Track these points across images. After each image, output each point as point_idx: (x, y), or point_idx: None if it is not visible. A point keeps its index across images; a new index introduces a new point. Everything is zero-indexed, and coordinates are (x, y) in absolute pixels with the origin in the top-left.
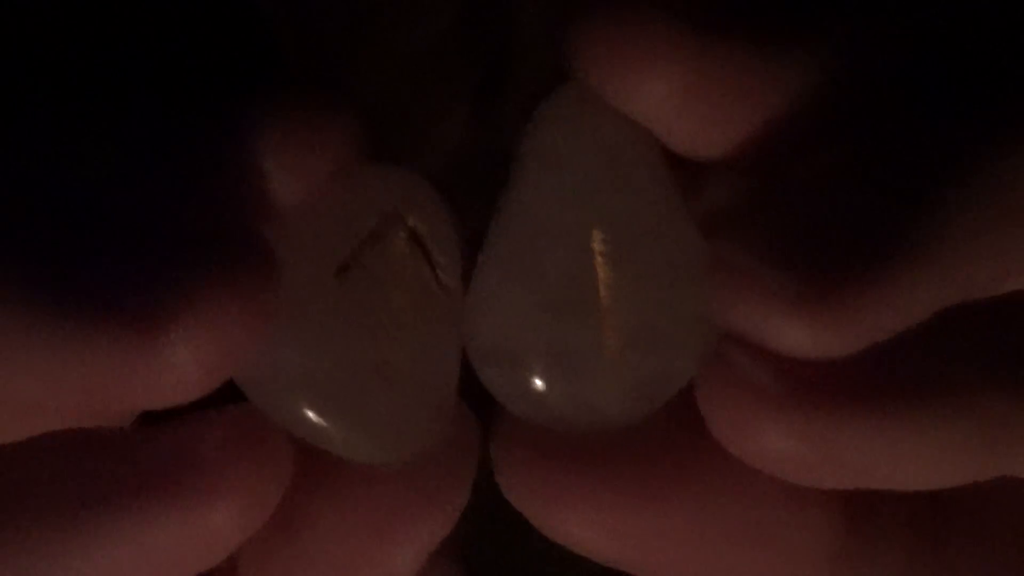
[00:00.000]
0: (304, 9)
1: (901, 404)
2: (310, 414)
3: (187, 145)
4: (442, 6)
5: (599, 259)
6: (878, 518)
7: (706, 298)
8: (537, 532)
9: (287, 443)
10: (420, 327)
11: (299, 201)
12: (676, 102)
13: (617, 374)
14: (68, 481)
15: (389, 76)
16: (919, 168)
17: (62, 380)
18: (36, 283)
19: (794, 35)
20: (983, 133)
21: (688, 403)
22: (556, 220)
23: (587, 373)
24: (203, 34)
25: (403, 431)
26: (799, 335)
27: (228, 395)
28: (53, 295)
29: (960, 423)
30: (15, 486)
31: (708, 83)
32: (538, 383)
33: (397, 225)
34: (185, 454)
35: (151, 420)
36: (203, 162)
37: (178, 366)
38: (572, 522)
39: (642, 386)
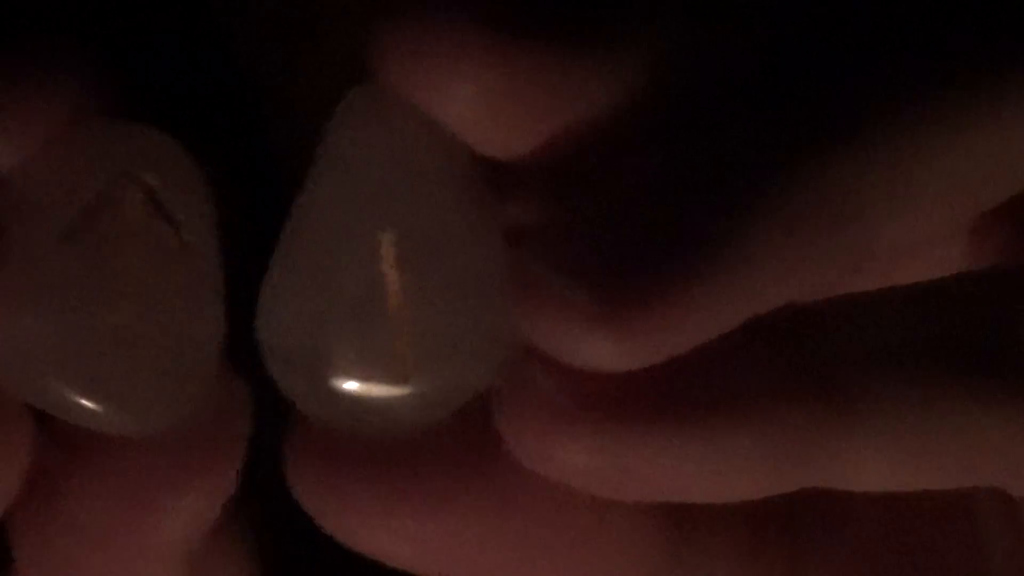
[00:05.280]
0: (251, 13)
1: (694, 417)
2: (48, 386)
3: None
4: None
5: (391, 263)
6: (707, 528)
7: (504, 308)
8: None
9: (25, 416)
10: (164, 289)
11: (19, 163)
12: (481, 104)
13: (407, 380)
14: None
15: (333, 77)
16: (727, 178)
17: None
18: None
19: (612, 36)
20: (795, 140)
21: (488, 407)
22: (349, 222)
23: (377, 377)
24: None
25: (153, 399)
26: (596, 350)
27: None
28: None
29: (756, 437)
30: None
31: (513, 85)
32: (328, 385)
33: (130, 184)
34: None
35: None
36: None
37: None
38: (366, 528)
39: (432, 393)
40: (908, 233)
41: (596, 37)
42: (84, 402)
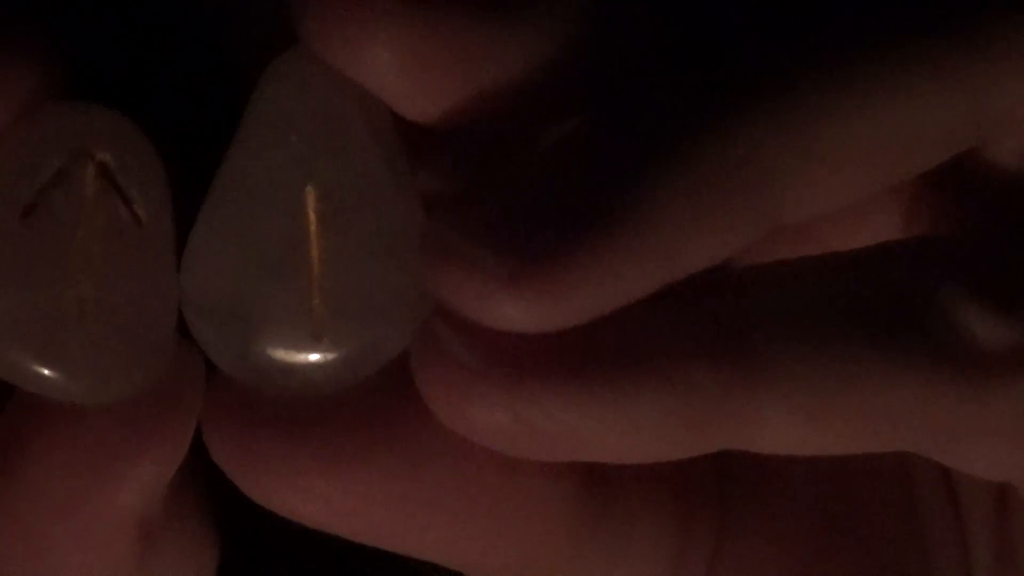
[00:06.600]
0: (241, 11)
1: (599, 376)
2: (8, 356)
3: None
4: None
5: (312, 222)
6: (628, 493)
7: (421, 271)
8: None
9: None
10: (121, 263)
11: None
12: (399, 68)
13: (324, 339)
14: None
15: None
16: (635, 144)
17: None
18: None
19: (528, 2)
20: (703, 105)
21: (406, 367)
22: (272, 180)
23: (294, 336)
24: None
25: (112, 369)
26: (504, 312)
27: None
28: None
29: (660, 396)
30: None
31: (429, 49)
32: (245, 342)
33: (85, 161)
34: None
35: None
36: None
37: None
38: (276, 487)
39: (350, 353)
40: (821, 199)
41: (511, 2)
42: (44, 371)
